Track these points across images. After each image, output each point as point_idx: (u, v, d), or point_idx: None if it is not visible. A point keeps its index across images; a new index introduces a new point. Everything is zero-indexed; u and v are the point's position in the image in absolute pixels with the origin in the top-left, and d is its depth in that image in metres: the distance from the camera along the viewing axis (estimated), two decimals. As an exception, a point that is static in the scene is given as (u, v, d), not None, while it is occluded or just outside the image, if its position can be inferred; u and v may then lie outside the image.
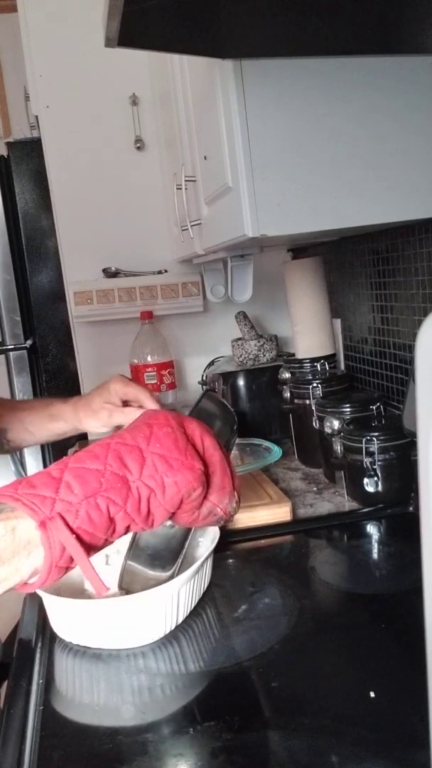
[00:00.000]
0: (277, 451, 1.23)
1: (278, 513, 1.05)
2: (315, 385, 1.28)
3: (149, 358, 1.75)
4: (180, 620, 0.76)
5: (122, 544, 0.79)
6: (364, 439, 1.02)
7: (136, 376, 1.76)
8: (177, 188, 1.28)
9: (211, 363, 1.78)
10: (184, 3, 0.68)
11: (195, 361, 1.85)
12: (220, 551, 0.89)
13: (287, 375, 1.38)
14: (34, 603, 0.85)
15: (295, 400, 1.33)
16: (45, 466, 1.80)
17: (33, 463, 2.13)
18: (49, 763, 0.57)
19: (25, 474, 0.98)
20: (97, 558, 0.81)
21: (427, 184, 0.89)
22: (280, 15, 0.74)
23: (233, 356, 1.64)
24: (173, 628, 0.75)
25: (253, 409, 1.51)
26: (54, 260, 1.97)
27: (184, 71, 1.22)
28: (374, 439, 1.01)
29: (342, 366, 1.53)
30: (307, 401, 1.28)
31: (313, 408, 1.23)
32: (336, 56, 0.86)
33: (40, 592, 0.73)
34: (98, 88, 1.70)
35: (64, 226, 1.77)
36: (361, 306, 1.40)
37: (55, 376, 2.07)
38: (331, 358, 1.38)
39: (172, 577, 0.77)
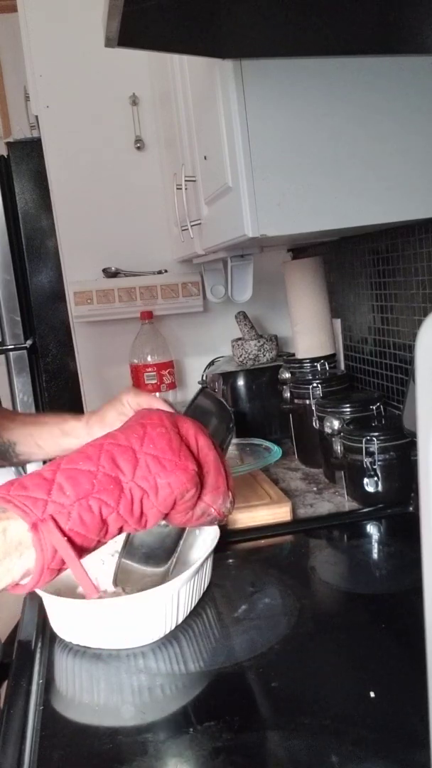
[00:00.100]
0: (277, 451, 1.23)
1: (278, 513, 1.05)
2: (315, 385, 1.28)
3: (149, 358, 1.75)
4: (180, 620, 0.76)
5: (119, 546, 0.79)
6: (364, 439, 1.02)
7: (136, 376, 1.76)
8: (177, 188, 1.28)
9: (211, 363, 1.78)
10: (184, 3, 0.68)
11: (195, 361, 1.85)
12: (220, 551, 0.89)
13: (287, 375, 1.38)
14: (34, 603, 0.85)
15: (295, 400, 1.33)
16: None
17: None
18: (49, 763, 0.57)
19: (25, 473, 0.97)
20: (94, 560, 0.81)
21: (427, 184, 0.89)
22: (280, 15, 0.74)
23: (233, 356, 1.64)
24: (173, 628, 0.75)
25: (253, 409, 1.51)
26: (54, 260, 1.97)
27: (184, 71, 1.22)
28: (374, 439, 1.01)
29: (342, 366, 1.53)
30: (307, 401, 1.28)
31: (313, 408, 1.23)
32: (336, 56, 0.86)
33: (40, 592, 0.73)
34: (98, 88, 1.70)
35: (64, 226, 1.77)
36: (361, 306, 1.40)
37: (55, 376, 2.07)
38: (331, 358, 1.38)
39: (167, 573, 0.77)
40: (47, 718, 0.64)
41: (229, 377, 1.53)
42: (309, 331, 1.38)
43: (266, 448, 1.26)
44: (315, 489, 1.20)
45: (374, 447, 1.01)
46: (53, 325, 2.05)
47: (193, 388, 1.85)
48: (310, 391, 1.28)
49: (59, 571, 0.59)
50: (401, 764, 0.53)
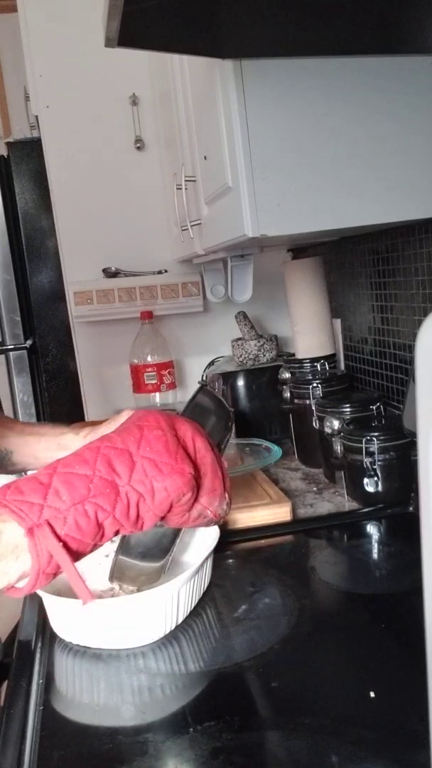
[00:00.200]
0: (277, 451, 1.22)
1: (278, 513, 1.05)
2: (315, 385, 1.28)
3: (149, 358, 1.75)
4: (180, 620, 0.76)
5: (115, 546, 0.79)
6: (364, 439, 1.02)
7: (136, 376, 1.76)
8: (177, 188, 1.28)
9: (211, 363, 1.78)
10: (184, 3, 0.68)
11: (195, 361, 1.85)
12: (220, 551, 0.89)
13: (287, 375, 1.38)
14: (34, 603, 0.85)
15: (295, 400, 1.33)
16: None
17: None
18: (49, 763, 0.57)
19: (25, 473, 0.97)
20: (91, 561, 0.81)
21: (427, 184, 0.89)
22: (280, 15, 0.74)
23: (233, 356, 1.64)
24: (173, 628, 0.75)
25: (253, 409, 1.51)
26: (54, 260, 1.97)
27: (184, 71, 1.22)
28: (374, 439, 1.01)
29: (342, 366, 1.53)
30: (307, 401, 1.28)
31: (313, 408, 1.23)
32: (336, 56, 0.86)
33: (39, 592, 0.73)
34: (98, 88, 1.70)
35: (64, 226, 1.77)
36: (361, 306, 1.40)
37: (55, 376, 2.07)
38: (331, 358, 1.38)
39: (163, 569, 0.77)
40: (47, 718, 0.64)
41: (229, 377, 1.53)
42: (309, 331, 1.38)
43: (266, 448, 1.26)
44: (315, 489, 1.20)
45: (374, 447, 1.01)
46: (53, 325, 2.05)
47: (193, 388, 1.85)
48: (310, 391, 1.28)
49: (55, 575, 0.59)
50: (401, 764, 0.53)
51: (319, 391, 1.27)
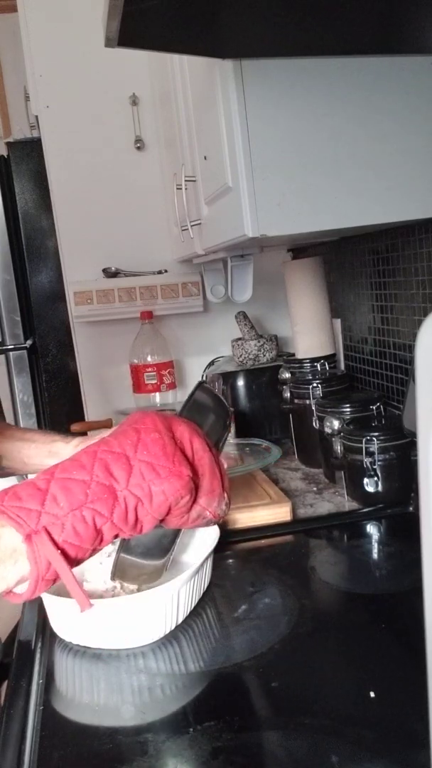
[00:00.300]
0: (277, 451, 1.23)
1: (278, 513, 1.05)
2: (315, 385, 1.28)
3: (149, 358, 1.75)
4: (180, 620, 0.76)
5: (115, 547, 0.79)
6: (364, 439, 1.02)
7: (136, 376, 1.76)
8: (177, 188, 1.28)
9: (211, 363, 1.78)
10: (184, 3, 0.68)
11: (195, 361, 1.85)
12: (220, 551, 0.89)
13: (287, 375, 1.38)
14: (34, 603, 0.85)
15: (295, 400, 1.33)
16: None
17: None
18: (49, 763, 0.57)
19: (25, 476, 0.97)
20: (93, 561, 0.81)
21: (427, 184, 0.89)
22: (280, 15, 0.74)
23: (233, 356, 1.64)
24: (173, 628, 0.75)
25: (253, 409, 1.51)
26: (54, 260, 1.97)
27: (184, 71, 1.22)
28: (374, 439, 1.01)
29: (342, 366, 1.53)
30: (307, 401, 1.28)
31: (313, 408, 1.23)
32: (336, 56, 0.86)
33: (40, 592, 0.73)
34: (98, 88, 1.70)
35: (64, 226, 1.77)
36: (361, 306, 1.40)
37: (55, 376, 2.07)
38: (331, 358, 1.38)
39: (164, 566, 0.77)
40: (47, 718, 0.64)
41: (229, 377, 1.53)
42: (309, 331, 1.38)
43: (266, 448, 1.26)
44: (315, 489, 1.20)
45: (374, 447, 1.01)
46: (53, 325, 2.05)
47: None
48: (310, 391, 1.28)
49: (54, 581, 0.59)
50: (401, 764, 0.53)
51: (319, 391, 1.27)
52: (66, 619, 0.75)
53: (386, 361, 1.31)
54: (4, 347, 2.22)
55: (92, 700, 0.66)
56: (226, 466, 0.73)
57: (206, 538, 0.85)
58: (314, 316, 1.38)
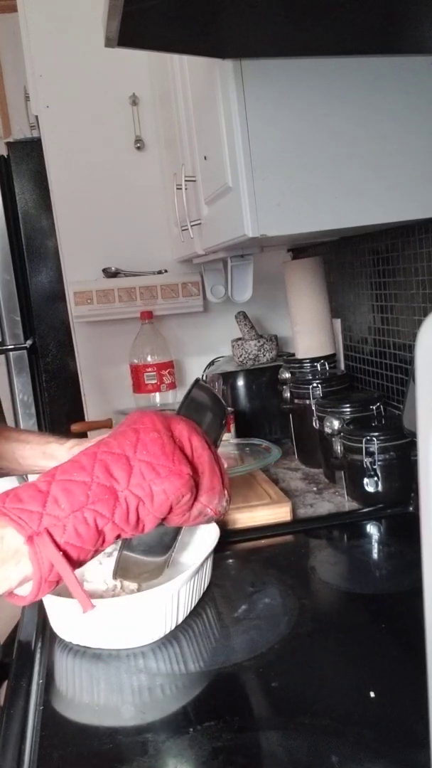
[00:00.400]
0: (277, 451, 1.22)
1: (278, 513, 1.05)
2: (315, 385, 1.28)
3: (149, 358, 1.75)
4: (180, 620, 0.76)
5: (116, 546, 0.79)
6: (364, 439, 1.02)
7: (136, 376, 1.76)
8: (177, 188, 1.28)
9: (211, 363, 1.78)
10: (184, 3, 0.68)
11: (195, 361, 1.85)
12: (220, 551, 0.89)
13: (287, 375, 1.38)
14: (34, 603, 0.85)
15: (295, 400, 1.33)
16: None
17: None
18: (49, 763, 0.57)
19: (26, 479, 0.97)
20: (93, 561, 0.81)
21: (427, 184, 0.89)
22: (280, 15, 0.74)
23: (233, 356, 1.64)
24: (173, 628, 0.75)
25: (253, 409, 1.51)
26: (54, 260, 1.97)
27: (184, 71, 1.22)
28: (374, 439, 1.01)
29: (342, 366, 1.53)
30: (307, 401, 1.28)
31: (313, 408, 1.23)
32: (336, 56, 0.86)
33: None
34: (98, 88, 1.70)
35: (64, 226, 1.77)
36: (361, 306, 1.40)
37: (55, 376, 2.07)
38: (331, 358, 1.38)
39: (166, 563, 0.77)
40: (47, 718, 0.64)
41: (229, 377, 1.53)
42: (309, 331, 1.38)
43: (266, 448, 1.26)
44: (315, 489, 1.20)
45: (374, 447, 1.01)
46: (53, 325, 2.06)
47: (193, 388, 1.84)
48: (310, 391, 1.28)
49: (57, 583, 0.59)
50: (401, 764, 0.53)
51: (319, 391, 1.27)
52: (66, 619, 0.75)
53: (386, 361, 1.31)
54: (4, 347, 2.22)
55: (92, 700, 0.66)
56: (226, 465, 0.73)
57: (206, 538, 0.85)
58: (314, 316, 1.38)
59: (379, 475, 1.03)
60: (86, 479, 0.61)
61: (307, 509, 1.11)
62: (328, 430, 1.11)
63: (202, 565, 0.78)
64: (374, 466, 1.02)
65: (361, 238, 1.34)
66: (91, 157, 1.73)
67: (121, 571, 0.78)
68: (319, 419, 1.18)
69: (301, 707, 0.61)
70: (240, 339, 1.61)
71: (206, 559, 0.79)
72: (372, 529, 1.01)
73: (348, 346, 1.51)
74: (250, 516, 1.04)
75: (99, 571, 0.83)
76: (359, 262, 1.39)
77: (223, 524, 0.96)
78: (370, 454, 1.02)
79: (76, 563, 0.60)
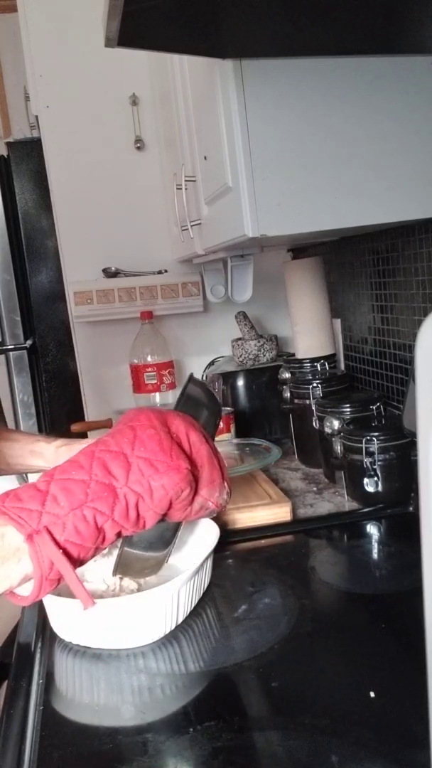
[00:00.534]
0: (277, 451, 1.23)
1: (278, 513, 1.05)
2: (315, 385, 1.28)
3: (149, 358, 1.75)
4: (180, 620, 0.76)
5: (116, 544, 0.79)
6: (364, 439, 1.02)
7: (136, 376, 1.76)
8: (177, 188, 1.28)
9: (211, 363, 1.78)
10: (184, 3, 0.68)
11: (195, 361, 1.85)
12: (220, 551, 0.89)
13: (287, 375, 1.38)
14: (34, 603, 0.85)
15: (295, 400, 1.33)
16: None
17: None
18: (49, 763, 0.57)
19: (26, 479, 0.98)
20: (92, 561, 0.81)
21: (427, 184, 0.89)
22: (280, 15, 0.74)
23: (233, 356, 1.64)
24: (173, 628, 0.75)
25: (253, 409, 1.51)
26: (54, 260, 1.97)
27: (184, 71, 1.22)
28: (374, 439, 1.01)
29: (342, 366, 1.53)
30: (307, 401, 1.28)
31: (313, 408, 1.23)
32: (336, 56, 0.86)
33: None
34: (98, 88, 1.70)
35: (64, 226, 1.77)
36: (361, 306, 1.40)
37: (55, 376, 2.07)
38: (331, 358, 1.38)
39: (166, 557, 0.77)
40: (47, 718, 0.64)
41: (229, 377, 1.53)
42: (309, 331, 1.38)
43: (266, 448, 1.26)
44: (315, 489, 1.20)
45: (374, 447, 1.01)
46: (53, 325, 2.06)
47: (193, 388, 1.84)
48: (310, 391, 1.28)
49: (59, 581, 0.60)
50: (401, 764, 0.53)
51: (319, 391, 1.27)
52: (66, 619, 0.75)
53: (386, 361, 1.31)
54: (4, 347, 2.22)
55: (92, 700, 0.66)
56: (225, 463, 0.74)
57: (206, 538, 0.85)
58: (314, 316, 1.38)
59: (379, 475, 1.03)
60: (85, 477, 0.61)
61: (307, 509, 1.11)
62: (328, 430, 1.11)
63: (202, 565, 0.78)
64: (374, 466, 1.02)
65: (361, 238, 1.34)
66: (91, 157, 1.73)
67: (122, 567, 0.78)
68: (319, 419, 1.18)
69: (301, 707, 0.61)
70: (240, 339, 1.61)
71: (206, 559, 0.79)
72: (372, 529, 1.01)
73: (348, 346, 1.51)
74: (250, 516, 1.04)
75: (99, 570, 0.83)
76: (359, 262, 1.39)
77: (223, 524, 0.96)
78: (370, 454, 1.02)
79: (76, 561, 0.60)
